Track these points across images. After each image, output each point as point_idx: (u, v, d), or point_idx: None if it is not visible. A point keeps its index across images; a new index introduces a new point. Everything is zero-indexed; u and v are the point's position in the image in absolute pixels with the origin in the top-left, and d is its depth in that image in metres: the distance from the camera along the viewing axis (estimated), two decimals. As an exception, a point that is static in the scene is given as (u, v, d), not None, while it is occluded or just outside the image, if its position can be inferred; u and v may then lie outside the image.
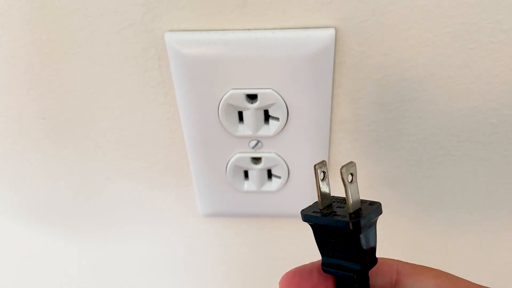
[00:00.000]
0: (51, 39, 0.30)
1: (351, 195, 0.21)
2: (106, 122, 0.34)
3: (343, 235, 0.21)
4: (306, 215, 0.22)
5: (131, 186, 0.38)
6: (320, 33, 0.28)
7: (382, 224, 0.38)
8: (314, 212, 0.22)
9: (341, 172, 0.21)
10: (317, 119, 0.31)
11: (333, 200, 0.23)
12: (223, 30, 0.28)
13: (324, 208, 0.22)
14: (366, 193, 0.36)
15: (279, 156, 0.33)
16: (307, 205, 0.24)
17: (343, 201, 0.23)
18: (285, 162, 0.33)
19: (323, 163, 0.22)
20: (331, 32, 0.28)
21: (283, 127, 0.31)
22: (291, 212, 0.36)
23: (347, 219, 0.21)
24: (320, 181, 0.22)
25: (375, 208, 0.21)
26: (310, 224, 0.22)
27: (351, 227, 0.21)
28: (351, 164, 0.21)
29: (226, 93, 0.30)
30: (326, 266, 0.23)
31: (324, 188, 0.23)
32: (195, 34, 0.28)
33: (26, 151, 0.36)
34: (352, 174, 0.21)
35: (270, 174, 0.35)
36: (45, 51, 0.31)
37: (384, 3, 0.27)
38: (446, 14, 0.27)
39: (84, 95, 0.32)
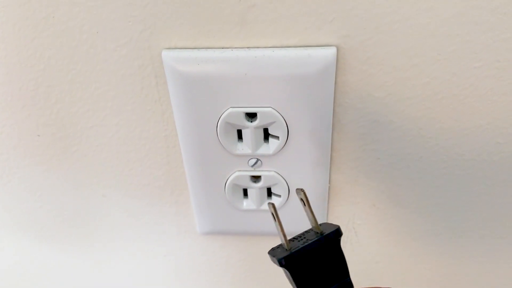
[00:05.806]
0: (46, 56, 0.29)
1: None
2: (103, 140, 0.33)
3: (326, 252, 0.22)
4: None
5: (128, 204, 0.37)
6: (321, 51, 0.27)
7: (386, 243, 0.37)
8: (287, 250, 0.22)
9: (303, 193, 0.23)
10: (318, 138, 0.30)
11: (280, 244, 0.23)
12: (222, 48, 0.28)
13: (291, 247, 0.22)
14: (368, 212, 0.35)
15: (279, 174, 0.32)
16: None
17: (297, 238, 0.23)
18: (285, 180, 0.32)
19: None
20: (332, 50, 0.27)
21: (283, 146, 0.30)
22: (291, 231, 0.35)
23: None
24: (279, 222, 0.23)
25: (332, 225, 0.23)
26: (289, 263, 0.22)
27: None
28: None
29: (225, 112, 0.29)
30: None
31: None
32: (193, 52, 0.28)
33: (20, 167, 0.35)
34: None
35: (270, 192, 0.34)
36: (40, 67, 0.30)
37: (387, 21, 0.26)
38: (452, 33, 0.26)
39: (80, 112, 0.32)
